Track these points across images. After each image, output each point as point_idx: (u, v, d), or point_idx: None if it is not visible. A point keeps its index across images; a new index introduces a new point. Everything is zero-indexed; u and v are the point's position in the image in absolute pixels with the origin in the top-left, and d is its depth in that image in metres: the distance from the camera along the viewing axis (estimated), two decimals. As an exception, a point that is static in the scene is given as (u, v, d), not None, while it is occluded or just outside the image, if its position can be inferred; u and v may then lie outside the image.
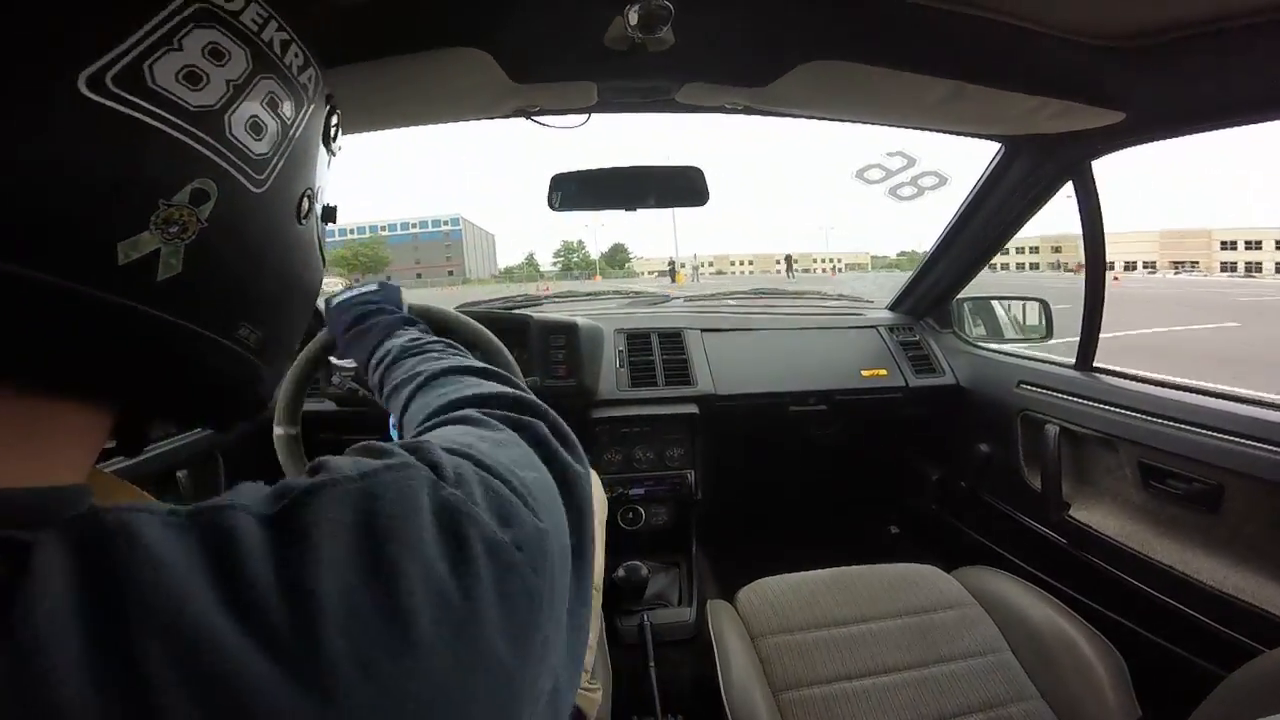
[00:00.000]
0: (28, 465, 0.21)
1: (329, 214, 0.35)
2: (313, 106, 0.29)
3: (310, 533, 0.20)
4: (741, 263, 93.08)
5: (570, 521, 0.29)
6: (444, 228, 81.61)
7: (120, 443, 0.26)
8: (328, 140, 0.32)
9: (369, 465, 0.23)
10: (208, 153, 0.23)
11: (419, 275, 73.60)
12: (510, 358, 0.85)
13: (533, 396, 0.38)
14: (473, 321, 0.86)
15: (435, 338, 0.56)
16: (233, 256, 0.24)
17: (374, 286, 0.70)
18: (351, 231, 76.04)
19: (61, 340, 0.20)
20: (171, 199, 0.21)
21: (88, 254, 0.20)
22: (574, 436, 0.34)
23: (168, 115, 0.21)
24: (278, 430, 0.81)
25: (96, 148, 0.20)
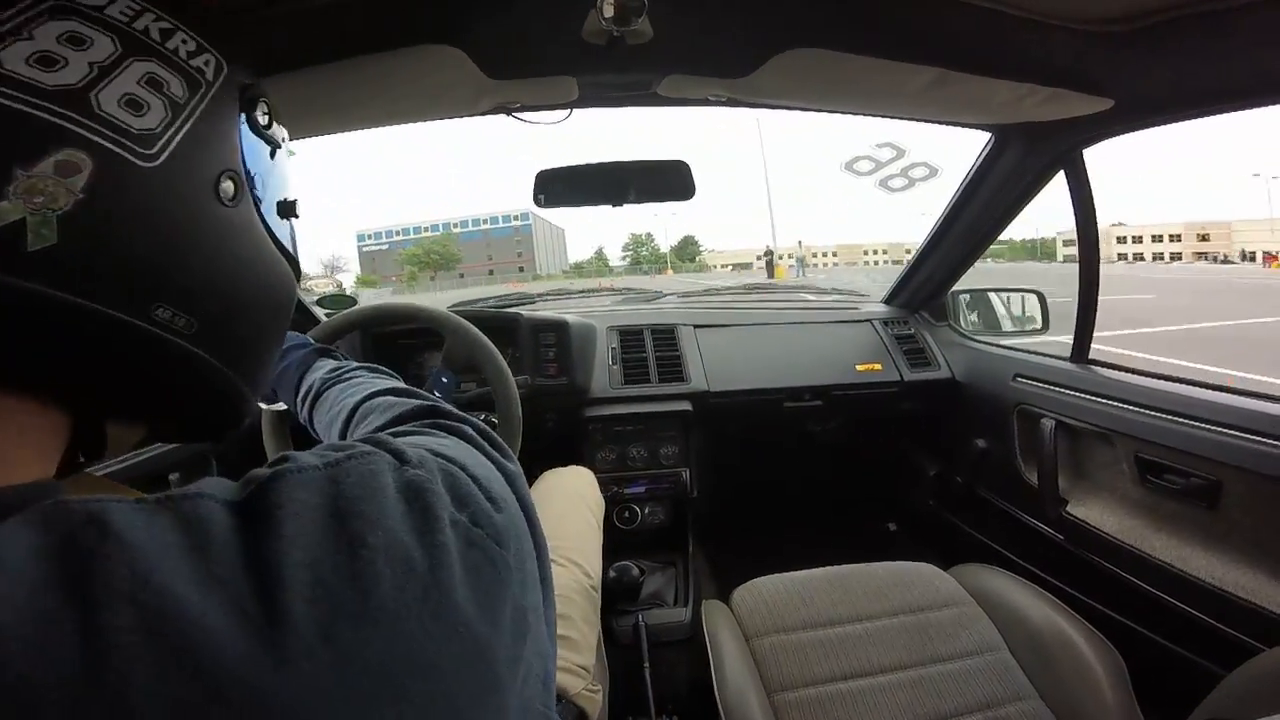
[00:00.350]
0: None
1: (286, 208, 0.34)
2: (215, 90, 0.29)
3: (274, 513, 0.21)
4: (875, 251, 78.91)
5: (524, 515, 0.29)
6: (514, 223, 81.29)
7: (81, 448, 0.26)
8: (257, 129, 0.31)
9: (332, 455, 0.25)
10: (72, 126, 0.23)
11: (490, 271, 74.06)
12: (485, 343, 0.84)
13: (450, 407, 0.39)
14: (439, 311, 0.86)
15: (352, 363, 0.56)
16: (128, 230, 0.24)
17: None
18: (426, 230, 76.76)
19: None
20: (31, 170, 0.22)
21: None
22: (499, 439, 0.35)
23: (17, 94, 0.22)
24: (262, 404, 0.80)
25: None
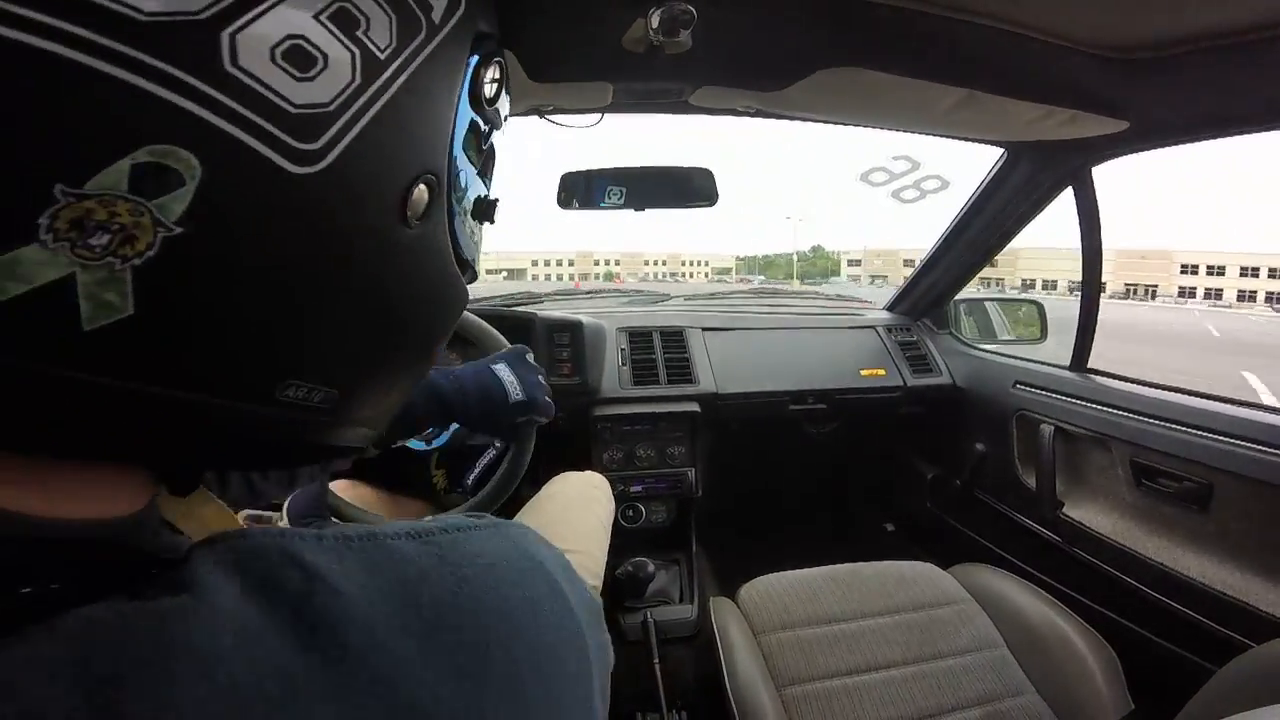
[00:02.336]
0: (65, 504, 0.16)
1: (484, 210, 0.25)
2: (441, 37, 0.18)
3: (468, 562, 0.19)
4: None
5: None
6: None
7: (169, 485, 0.21)
8: (479, 101, 0.22)
9: (498, 520, 0.24)
10: (178, 98, 0.13)
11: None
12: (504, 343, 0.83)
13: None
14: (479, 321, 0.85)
15: None
16: (253, 281, 0.15)
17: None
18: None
19: None
20: (82, 184, 0.12)
21: None
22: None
23: (72, 27, 0.11)
24: None
25: None
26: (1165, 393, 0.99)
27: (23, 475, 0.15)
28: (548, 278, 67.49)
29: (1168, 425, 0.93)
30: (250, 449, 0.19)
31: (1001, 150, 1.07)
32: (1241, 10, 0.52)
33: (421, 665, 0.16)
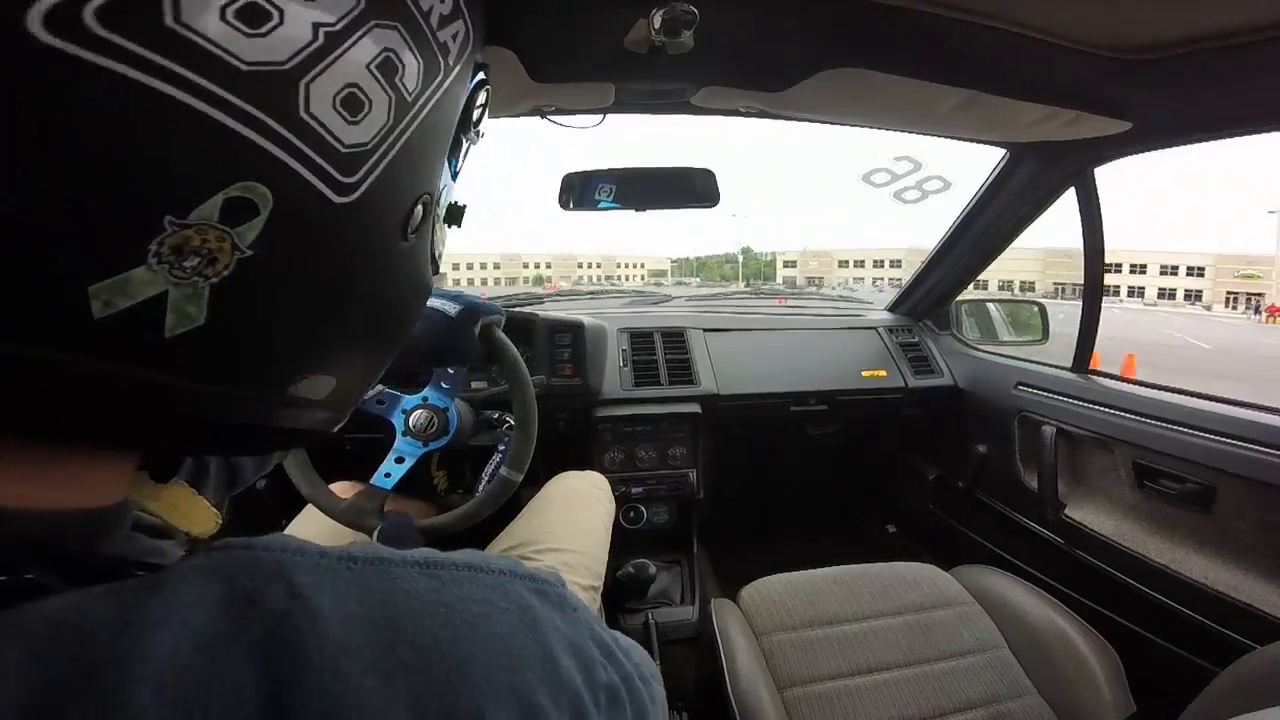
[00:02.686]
0: (53, 494, 0.17)
1: (454, 215, 0.27)
2: (454, 75, 0.20)
3: (463, 608, 0.18)
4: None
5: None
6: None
7: (150, 469, 0.22)
8: (467, 124, 0.23)
9: (522, 569, 0.22)
10: (263, 141, 0.14)
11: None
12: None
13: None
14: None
15: None
16: (292, 296, 0.17)
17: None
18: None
19: (41, 406, 0.15)
20: (187, 215, 0.14)
21: (43, 304, 0.13)
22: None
23: (193, 75, 0.13)
24: None
25: (58, 130, 0.12)
26: (1167, 394, 0.99)
27: (12, 464, 0.16)
28: (470, 283, 59.71)
29: (1170, 426, 0.93)
30: (249, 434, 0.20)
31: (1004, 151, 1.07)
32: (1243, 12, 0.52)
33: (380, 708, 0.15)
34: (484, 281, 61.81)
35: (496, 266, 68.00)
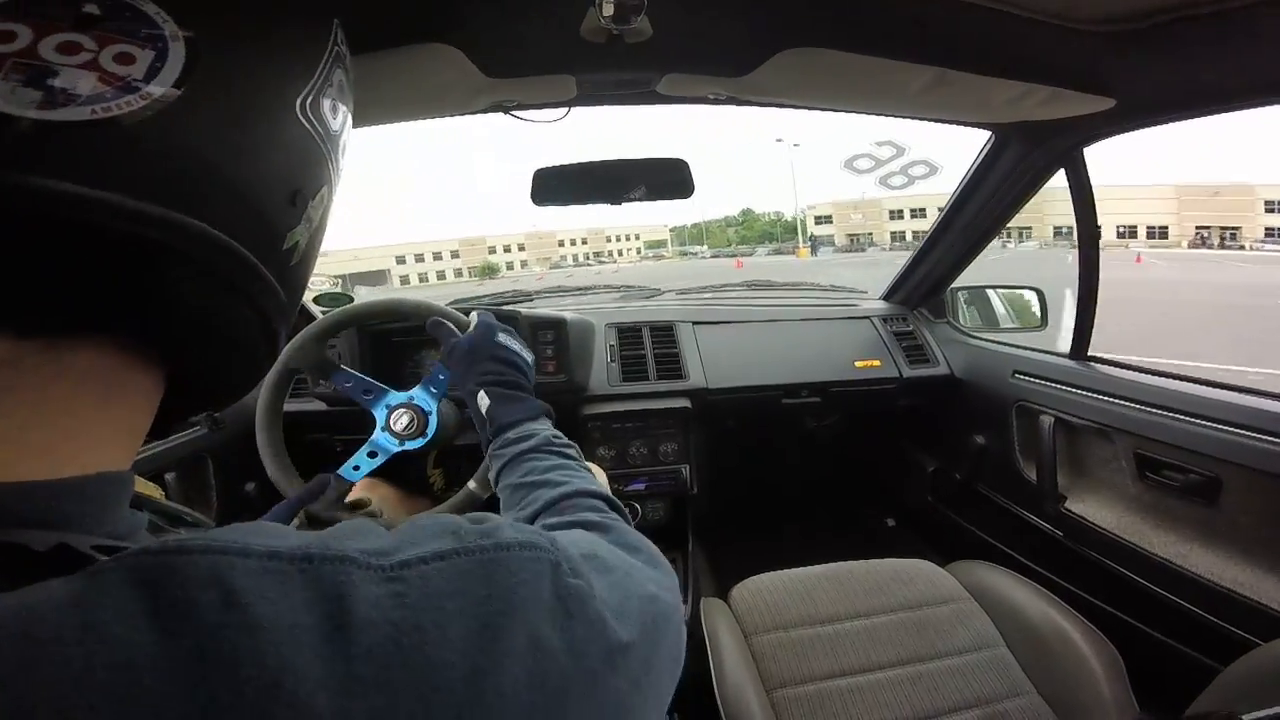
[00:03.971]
0: (104, 438, 0.21)
1: None
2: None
3: (433, 606, 0.18)
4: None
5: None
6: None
7: (155, 422, 0.26)
8: None
9: (504, 537, 0.22)
10: (331, 168, 0.27)
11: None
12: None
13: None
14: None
15: (565, 440, 0.54)
16: (318, 244, 0.29)
17: (531, 356, 0.66)
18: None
19: (221, 302, 0.23)
20: (309, 203, 0.26)
21: (269, 239, 0.24)
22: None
23: (320, 138, 0.26)
24: (261, 436, 0.81)
25: (295, 158, 0.25)
26: (1170, 381, 0.96)
27: None
28: (421, 277, 51.11)
29: (1173, 415, 0.90)
30: (237, 339, 0.25)
31: (989, 133, 1.04)
32: None
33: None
34: (440, 275, 52.68)
35: (454, 255, 56.78)
